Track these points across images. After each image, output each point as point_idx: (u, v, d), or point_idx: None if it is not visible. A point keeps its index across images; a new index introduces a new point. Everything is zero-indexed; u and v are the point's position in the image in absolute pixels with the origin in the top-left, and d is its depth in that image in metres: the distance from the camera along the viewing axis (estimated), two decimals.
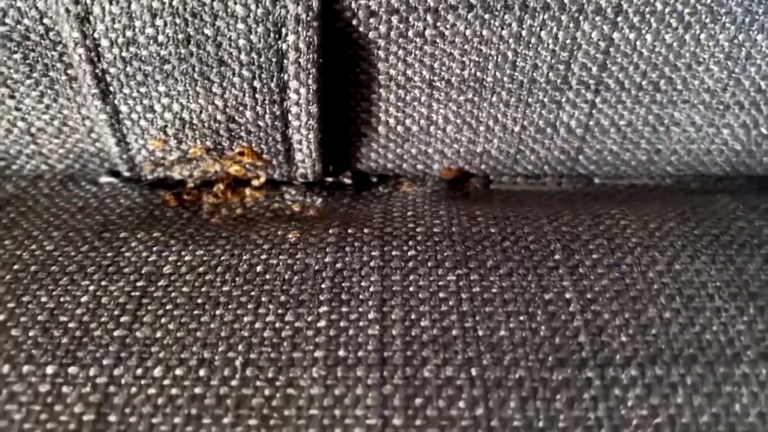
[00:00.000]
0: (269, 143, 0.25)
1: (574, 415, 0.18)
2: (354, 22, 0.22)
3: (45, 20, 0.22)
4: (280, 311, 0.21)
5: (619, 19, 0.22)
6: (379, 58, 0.23)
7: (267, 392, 0.19)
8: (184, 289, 0.22)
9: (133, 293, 0.22)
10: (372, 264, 0.22)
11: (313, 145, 0.25)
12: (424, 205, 0.26)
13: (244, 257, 0.23)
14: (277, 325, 0.20)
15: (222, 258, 0.23)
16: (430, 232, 0.24)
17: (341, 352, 0.20)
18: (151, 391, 0.19)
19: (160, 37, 0.22)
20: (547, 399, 0.18)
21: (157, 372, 0.19)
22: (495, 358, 0.19)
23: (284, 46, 0.22)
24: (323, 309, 0.21)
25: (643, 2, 0.22)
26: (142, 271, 0.22)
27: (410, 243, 0.23)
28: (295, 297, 0.21)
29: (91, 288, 0.22)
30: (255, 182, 0.26)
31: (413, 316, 0.21)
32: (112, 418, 0.18)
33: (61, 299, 0.21)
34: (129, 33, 0.22)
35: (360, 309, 0.21)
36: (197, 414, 0.18)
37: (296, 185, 0.27)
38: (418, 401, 0.18)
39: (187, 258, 0.23)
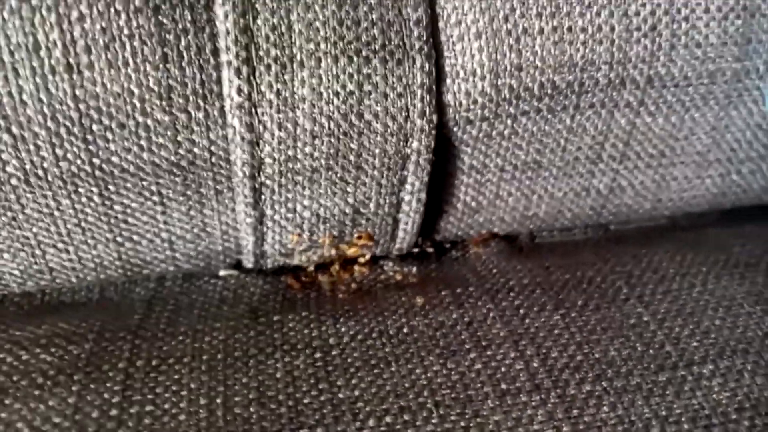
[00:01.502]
0: (382, 227, 0.31)
1: (682, 405, 0.25)
2: (455, 129, 0.29)
3: (212, 147, 0.27)
4: (440, 361, 0.26)
5: (641, 109, 0.30)
6: (466, 153, 0.30)
7: (462, 424, 0.24)
8: (355, 354, 0.27)
9: (317, 364, 0.26)
10: (492, 315, 0.29)
11: (416, 225, 0.31)
12: (500, 262, 0.32)
13: (388, 322, 0.28)
14: (444, 371, 0.26)
15: (371, 325, 0.28)
16: (522, 283, 0.30)
17: (503, 385, 0.26)
18: None
19: (315, 153, 0.27)
20: (660, 395, 0.25)
21: (372, 422, 0.24)
22: (615, 371, 0.26)
23: (408, 151, 0.28)
24: (473, 355, 0.27)
25: (658, 96, 0.30)
26: (313, 345, 0.27)
27: (512, 294, 0.30)
28: (446, 348, 0.27)
29: (279, 365, 0.26)
30: (361, 260, 0.32)
31: (544, 351, 0.27)
32: None
33: (260, 377, 0.26)
34: (290, 152, 0.27)
35: (501, 351, 0.27)
36: None
37: (392, 258, 0.33)
38: (574, 412, 0.25)
39: (342, 329, 0.28)
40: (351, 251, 0.31)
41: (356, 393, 0.25)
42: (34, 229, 0.28)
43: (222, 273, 0.32)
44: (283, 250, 0.31)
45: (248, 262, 0.31)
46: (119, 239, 0.29)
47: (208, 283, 0.31)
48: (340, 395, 0.25)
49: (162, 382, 0.25)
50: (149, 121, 0.26)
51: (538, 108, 0.29)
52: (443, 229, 0.33)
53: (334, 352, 0.27)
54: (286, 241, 0.30)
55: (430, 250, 0.33)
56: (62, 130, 0.25)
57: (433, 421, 0.24)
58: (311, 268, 0.32)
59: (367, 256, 0.32)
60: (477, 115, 0.29)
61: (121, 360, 0.26)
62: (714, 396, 0.25)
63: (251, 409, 0.24)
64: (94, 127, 0.25)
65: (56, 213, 0.27)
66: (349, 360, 0.26)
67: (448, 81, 0.28)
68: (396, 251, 0.32)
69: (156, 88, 0.25)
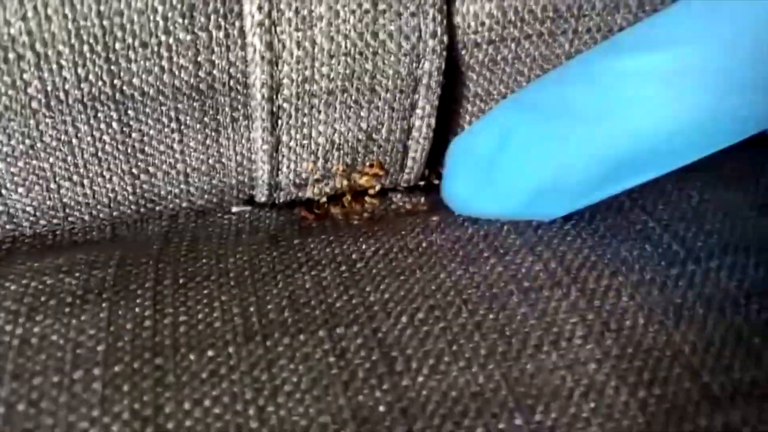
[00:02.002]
0: (392, 155, 0.31)
1: (695, 293, 0.26)
2: (463, 52, 0.30)
3: (231, 69, 0.27)
4: (462, 267, 0.27)
5: None
6: (471, 79, 0.31)
7: (491, 316, 0.25)
8: (380, 266, 0.27)
9: (344, 275, 0.27)
10: (506, 227, 0.29)
11: (425, 153, 0.32)
12: None
13: (407, 239, 0.29)
14: (467, 275, 0.27)
15: (391, 242, 0.29)
16: None
17: (525, 283, 0.26)
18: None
19: (332, 74, 0.28)
20: (674, 286, 0.27)
21: (405, 319, 0.25)
22: (629, 267, 0.27)
23: (420, 72, 0.29)
24: (493, 261, 0.28)
25: None
26: (338, 260, 0.28)
27: None
28: (466, 257, 0.28)
29: (306, 278, 0.27)
30: (371, 191, 0.32)
31: (560, 253, 0.28)
32: None
33: (290, 288, 0.26)
34: (308, 72, 0.28)
35: (519, 256, 0.28)
36: None
37: (400, 190, 0.33)
38: (596, 302, 0.26)
39: (363, 247, 0.28)
40: (362, 180, 0.32)
41: (386, 296, 0.26)
42: (51, 159, 0.28)
43: (235, 209, 0.32)
44: (297, 180, 0.31)
45: (262, 196, 0.31)
46: (135, 171, 0.29)
47: (223, 219, 0.31)
48: (371, 298, 0.26)
49: (192, 297, 0.25)
50: (171, 40, 0.26)
51: (540, 32, 0.30)
52: None
53: (358, 265, 0.27)
54: (300, 169, 0.31)
55: (437, 182, 0.34)
56: (86, 48, 0.25)
57: (464, 315, 0.25)
58: (324, 200, 0.32)
59: (377, 187, 0.32)
60: (484, 37, 0.30)
61: (147, 281, 0.26)
62: (722, 286, 0.26)
63: (285, 314, 0.25)
64: (117, 46, 0.25)
65: (74, 141, 0.27)
66: (374, 271, 0.27)
67: (458, 2, 0.29)
68: (404, 183, 0.33)
69: (179, 6, 0.25)
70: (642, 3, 0.31)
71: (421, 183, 0.34)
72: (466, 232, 0.29)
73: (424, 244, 0.28)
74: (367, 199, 0.32)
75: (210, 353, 0.23)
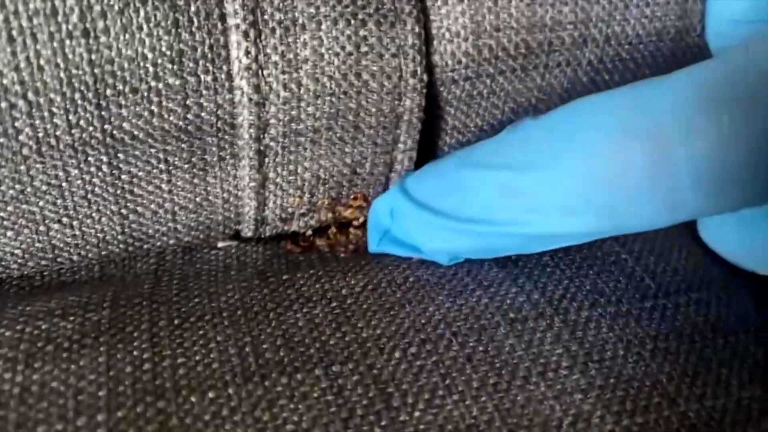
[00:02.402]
0: (375, 187, 0.32)
1: (668, 326, 0.28)
2: (441, 88, 0.31)
3: (219, 111, 0.28)
4: (450, 300, 0.28)
5: (601, 67, 0.34)
6: (449, 113, 0.32)
7: (480, 348, 0.26)
8: (369, 302, 0.28)
9: (336, 311, 0.28)
10: (488, 262, 0.30)
11: None
12: None
13: (394, 274, 0.30)
14: (455, 308, 0.28)
15: (379, 277, 0.30)
16: None
17: (511, 314, 0.28)
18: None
19: (317, 113, 0.29)
20: (648, 318, 0.28)
21: (398, 354, 0.26)
22: (606, 299, 0.29)
23: (401, 109, 0.30)
24: (478, 293, 0.29)
25: (615, 53, 0.33)
26: (328, 296, 0.28)
27: None
28: (453, 290, 0.29)
29: (299, 316, 0.27)
30: (356, 223, 0.33)
31: (541, 285, 0.29)
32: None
33: (283, 327, 0.27)
34: (294, 112, 0.28)
35: (503, 287, 0.29)
36: None
37: None
38: (578, 333, 0.27)
39: (352, 282, 0.29)
40: (347, 213, 0.32)
41: (378, 331, 0.27)
42: (41, 203, 0.28)
43: (220, 245, 0.32)
44: (283, 215, 0.32)
45: (248, 231, 0.32)
46: (124, 211, 0.29)
47: (209, 254, 0.32)
48: (364, 334, 0.26)
49: (189, 338, 0.26)
50: (161, 85, 0.26)
51: (513, 67, 0.32)
52: None
53: (349, 301, 0.28)
54: (287, 204, 0.31)
55: None
56: (77, 96, 0.26)
57: (454, 348, 0.26)
58: (309, 232, 0.33)
59: (361, 219, 0.33)
60: (461, 74, 0.31)
61: (143, 322, 0.26)
62: (691, 320, 0.28)
63: (281, 353, 0.25)
64: (108, 92, 0.26)
65: (64, 185, 0.28)
66: (364, 306, 0.28)
67: (435, 42, 0.30)
68: None
69: (168, 53, 0.26)
70: (608, 38, 0.32)
71: None
72: (450, 267, 0.30)
73: (411, 279, 0.29)
74: (351, 230, 0.33)
75: (211, 395, 0.24)
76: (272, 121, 0.28)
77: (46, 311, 0.27)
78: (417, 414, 0.23)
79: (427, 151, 0.33)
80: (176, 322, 0.27)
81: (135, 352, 0.25)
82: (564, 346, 0.26)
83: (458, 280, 0.29)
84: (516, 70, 0.32)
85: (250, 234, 0.32)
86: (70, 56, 0.25)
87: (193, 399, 0.23)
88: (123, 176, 0.28)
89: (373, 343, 0.26)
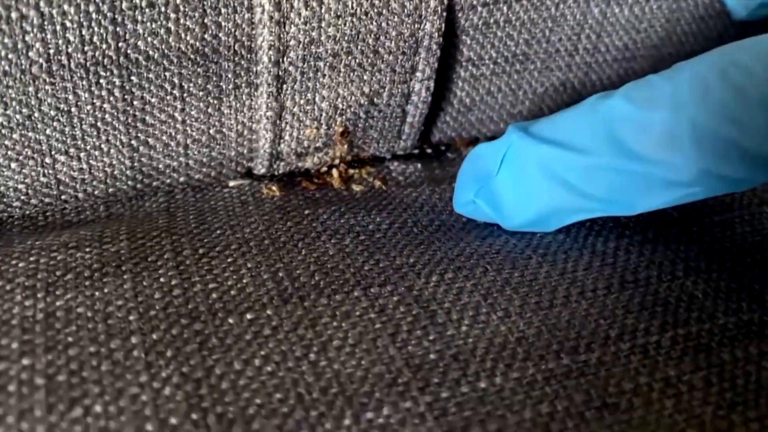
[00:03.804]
0: (392, 119, 0.31)
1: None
2: (459, 14, 0.30)
3: (237, 32, 0.27)
4: (479, 240, 0.27)
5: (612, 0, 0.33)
6: (465, 43, 0.32)
7: (516, 275, 0.26)
8: (398, 237, 0.27)
9: (366, 243, 0.27)
10: None
11: (422, 117, 0.32)
12: None
13: (419, 215, 0.29)
14: (484, 246, 0.27)
15: (404, 217, 0.29)
16: None
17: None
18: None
19: (338, 35, 0.28)
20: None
21: (435, 278, 0.25)
22: None
23: (421, 33, 0.29)
24: (507, 235, 0.28)
25: None
26: (356, 230, 0.27)
27: None
28: (480, 233, 0.28)
29: (329, 246, 0.26)
30: (367, 159, 0.32)
31: None
32: None
33: (315, 255, 0.26)
34: (314, 33, 0.27)
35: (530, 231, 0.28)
36: None
37: (394, 158, 0.33)
38: None
39: (378, 219, 0.28)
40: (361, 145, 0.31)
41: (411, 260, 0.26)
42: (48, 131, 0.26)
43: (232, 183, 0.31)
44: (299, 149, 0.30)
45: (261, 167, 0.31)
46: (134, 143, 0.28)
47: (222, 192, 0.30)
48: (398, 262, 0.25)
49: (217, 266, 0.25)
50: (179, 0, 0.25)
51: None
52: (438, 130, 0.34)
53: (377, 235, 0.27)
54: (303, 137, 0.30)
55: (429, 150, 0.34)
56: (92, 8, 0.24)
57: (491, 274, 0.25)
58: (324, 169, 0.32)
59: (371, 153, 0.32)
60: (480, 0, 0.30)
61: (165, 252, 0.25)
62: (718, 240, 0.28)
63: (316, 277, 0.24)
64: (124, 5, 0.24)
65: (74, 110, 0.26)
66: (393, 240, 0.27)
67: None
68: (401, 150, 0.33)
69: None
70: None
71: (416, 151, 0.34)
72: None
73: (436, 222, 0.28)
74: (365, 168, 0.32)
75: (249, 316, 0.22)
76: (292, 42, 0.27)
77: (60, 244, 0.25)
78: (464, 329, 0.23)
79: (441, 83, 0.32)
80: (201, 251, 0.25)
81: (162, 279, 0.24)
82: (597, 271, 0.26)
83: (484, 227, 0.29)
84: None
85: (263, 171, 0.31)
86: None
87: (230, 320, 0.22)
88: (135, 102, 0.27)
89: (409, 269, 0.25)
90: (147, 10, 0.25)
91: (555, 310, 0.24)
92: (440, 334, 0.22)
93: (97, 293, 0.23)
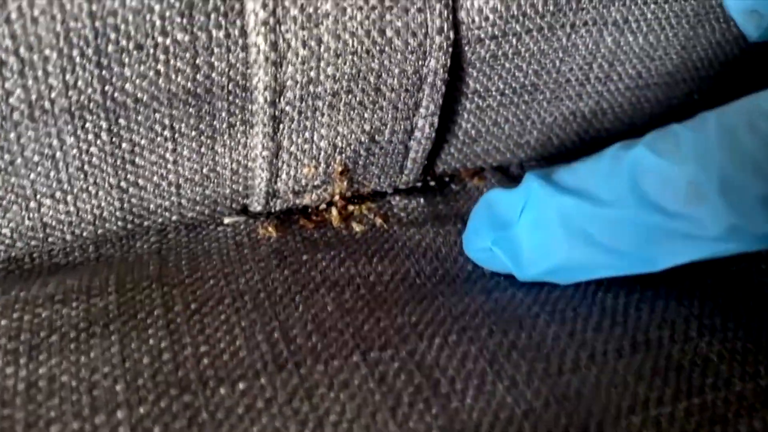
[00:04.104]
0: (394, 155, 0.30)
1: None
2: (466, 48, 0.29)
3: (231, 72, 0.25)
4: (484, 294, 0.26)
5: (626, 27, 0.32)
6: (471, 76, 0.30)
7: (523, 335, 0.24)
8: (401, 290, 0.26)
9: (366, 298, 0.25)
10: None
11: (425, 152, 0.30)
12: None
13: (422, 263, 0.28)
14: (491, 301, 0.26)
15: (406, 266, 0.27)
16: None
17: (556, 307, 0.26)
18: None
19: (338, 74, 0.26)
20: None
21: (438, 341, 0.24)
22: None
23: (425, 70, 0.28)
24: (513, 290, 0.27)
25: (640, 13, 0.32)
26: (356, 282, 0.26)
27: None
28: (486, 285, 0.27)
29: (327, 300, 0.25)
30: (368, 195, 0.31)
31: None
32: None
33: (312, 311, 0.24)
34: (313, 73, 0.26)
35: (538, 283, 0.27)
36: None
37: (395, 192, 0.32)
38: None
39: (379, 268, 0.27)
40: (362, 182, 0.30)
41: (414, 319, 0.24)
42: (32, 176, 0.25)
43: (227, 220, 0.30)
44: (296, 187, 0.29)
45: (257, 205, 0.29)
46: (123, 184, 0.27)
47: (216, 231, 0.29)
48: (399, 321, 0.24)
49: (210, 324, 0.23)
50: (168, 42, 0.24)
51: (540, 26, 0.30)
52: (442, 162, 0.33)
53: (378, 288, 0.26)
54: (300, 175, 0.29)
55: (433, 183, 0.33)
56: (75, 53, 0.23)
57: (497, 336, 0.24)
58: (322, 206, 0.30)
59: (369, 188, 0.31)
60: (487, 32, 0.29)
61: (155, 308, 0.24)
62: (734, 294, 0.27)
63: (314, 339, 0.23)
64: (110, 49, 0.23)
65: (58, 154, 0.25)
66: (395, 295, 0.26)
67: None
68: (402, 185, 0.32)
69: (177, 4, 0.23)
70: None
71: (418, 184, 0.33)
72: (479, 267, 0.28)
73: (440, 271, 0.27)
74: (366, 204, 0.31)
75: (242, 386, 0.21)
76: (289, 82, 0.26)
77: (45, 297, 0.24)
78: (468, 401, 0.22)
79: (445, 116, 0.31)
80: (193, 306, 0.24)
81: (151, 341, 0.22)
82: (607, 332, 0.25)
83: (489, 278, 0.27)
84: (543, 29, 0.30)
85: (259, 208, 0.30)
86: (68, 6, 0.22)
87: (222, 391, 0.21)
88: (124, 144, 0.25)
89: (411, 329, 0.24)
90: (135, 52, 0.23)
91: (564, 378, 0.23)
92: (443, 408, 0.21)
93: (83, 358, 0.22)
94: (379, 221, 0.30)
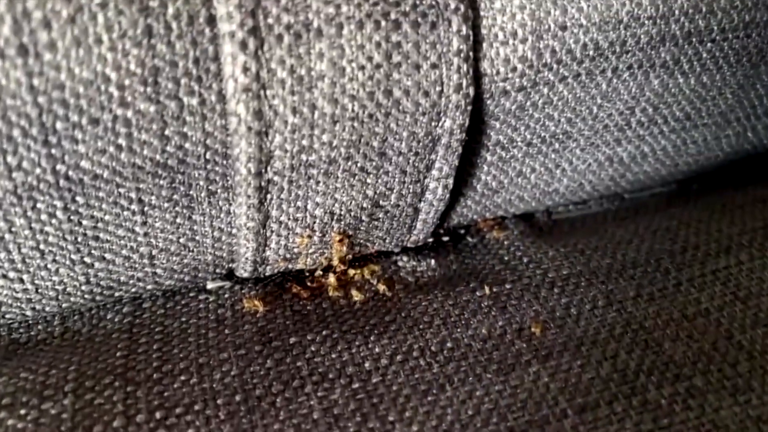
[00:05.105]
0: (402, 218, 0.26)
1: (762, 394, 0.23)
2: (488, 102, 0.25)
3: (208, 141, 0.21)
4: (500, 378, 0.23)
5: (676, 68, 0.27)
6: (494, 128, 0.26)
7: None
8: (399, 380, 0.23)
9: (359, 396, 0.22)
10: (542, 318, 0.25)
11: (438, 213, 0.27)
12: (527, 247, 0.29)
13: (427, 337, 0.24)
14: (508, 390, 0.22)
15: (408, 342, 0.24)
16: (562, 274, 0.27)
17: (579, 399, 0.22)
18: None
19: (335, 141, 0.22)
20: (744, 392, 0.23)
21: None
22: (690, 371, 0.23)
23: (440, 131, 0.24)
24: (535, 368, 0.23)
25: (694, 53, 0.27)
26: (348, 372, 0.23)
27: (555, 289, 0.26)
28: (502, 362, 0.23)
29: (313, 402, 0.22)
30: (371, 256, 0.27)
31: (611, 354, 0.24)
32: None
33: (294, 420, 0.21)
34: (305, 142, 0.22)
35: (564, 359, 0.23)
36: None
37: (405, 251, 0.28)
38: (663, 421, 0.22)
39: (377, 350, 0.24)
40: (365, 243, 0.27)
41: (414, 428, 0.21)
42: None
43: (210, 286, 0.26)
44: (287, 255, 0.26)
45: (244, 271, 0.26)
46: (88, 260, 0.23)
47: (197, 300, 0.26)
48: (397, 430, 0.21)
49: None
50: (130, 114, 0.20)
51: (578, 72, 0.25)
52: (458, 214, 0.29)
53: (374, 380, 0.23)
54: (292, 245, 0.25)
55: (446, 238, 0.29)
56: (16, 133, 0.19)
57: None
58: (319, 271, 0.27)
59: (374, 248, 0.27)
60: (514, 84, 0.24)
61: (116, 416, 0.21)
62: None
63: None
64: (59, 126, 0.19)
65: (7, 236, 0.21)
66: (394, 387, 0.22)
67: (485, 45, 0.23)
68: (411, 243, 0.28)
69: (139, 71, 0.19)
70: (690, 34, 0.26)
71: (429, 240, 0.29)
72: (495, 324, 0.25)
73: (448, 344, 0.24)
74: (368, 267, 0.27)
75: None
76: (277, 152, 0.22)
77: None
78: None
79: (462, 168, 0.27)
80: (158, 415, 0.21)
81: None
82: None
83: (507, 346, 0.24)
84: (580, 76, 0.25)
85: (246, 275, 0.26)
86: (4, 82, 0.18)
87: None
88: (84, 222, 0.22)
89: None
90: (89, 127, 0.20)
91: None
92: None
93: None
94: (382, 288, 0.27)
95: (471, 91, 0.23)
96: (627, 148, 0.30)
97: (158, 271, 0.25)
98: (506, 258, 0.28)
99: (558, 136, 0.28)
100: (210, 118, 0.21)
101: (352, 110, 0.22)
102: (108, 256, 0.23)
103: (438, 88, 0.23)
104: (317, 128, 0.22)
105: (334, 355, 0.23)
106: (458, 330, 0.24)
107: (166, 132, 0.21)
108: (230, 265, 0.26)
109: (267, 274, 0.26)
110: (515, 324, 0.24)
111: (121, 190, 0.22)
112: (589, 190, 0.31)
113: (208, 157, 0.22)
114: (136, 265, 0.24)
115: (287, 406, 0.21)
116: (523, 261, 0.28)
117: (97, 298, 0.25)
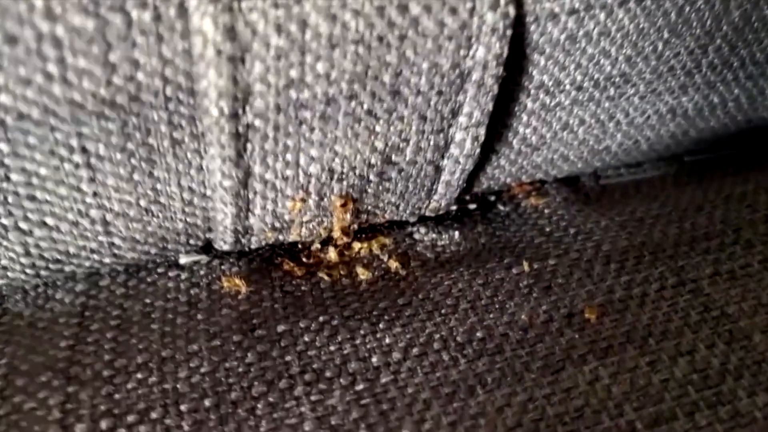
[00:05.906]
0: (419, 179, 0.21)
1: None
2: (532, 28, 0.19)
3: (167, 70, 0.16)
4: (548, 378, 0.18)
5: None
6: (538, 65, 0.21)
7: None
8: (417, 380, 0.18)
9: (363, 401, 0.17)
10: (597, 300, 0.20)
11: (465, 174, 0.22)
12: (573, 217, 0.24)
13: (451, 324, 0.19)
14: (558, 393, 0.17)
15: (428, 330, 0.19)
16: (618, 247, 0.22)
17: (648, 406, 0.17)
18: None
19: (333, 74, 0.17)
20: None
21: None
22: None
23: (470, 63, 0.18)
24: (593, 364, 0.18)
25: None
26: (350, 369, 0.18)
27: (612, 265, 0.21)
28: (549, 357, 0.18)
29: (304, 409, 0.17)
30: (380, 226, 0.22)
31: (687, 349, 0.19)
32: None
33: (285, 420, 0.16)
34: (294, 72, 0.17)
35: (628, 354, 0.18)
36: None
37: (420, 221, 0.23)
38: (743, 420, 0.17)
39: (387, 340, 0.19)
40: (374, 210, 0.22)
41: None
42: None
43: (183, 260, 0.22)
44: (276, 224, 0.21)
45: (224, 243, 0.21)
46: (23, 225, 0.18)
47: (166, 278, 0.21)
48: None
49: None
50: (60, 30, 0.15)
51: None
52: (488, 177, 0.24)
53: (383, 379, 0.18)
54: (282, 210, 0.20)
55: (473, 206, 0.24)
56: None
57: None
58: (316, 244, 0.22)
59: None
60: (564, 6, 0.19)
61: (49, 426, 0.16)
62: None
63: None
64: None
65: None
66: (409, 390, 0.17)
67: None
68: (431, 212, 0.23)
69: None
70: None
71: (453, 208, 0.24)
72: (538, 309, 0.20)
73: (478, 334, 0.19)
74: (375, 242, 0.22)
75: None
76: (257, 87, 0.17)
77: None
78: None
79: (495, 118, 0.22)
80: (103, 425, 0.16)
81: None
82: None
83: (555, 335, 0.19)
84: (644, 0, 0.20)
85: (226, 248, 0.21)
86: None
87: None
88: (12, 175, 0.17)
89: None
90: (6, 48, 0.15)
91: None
92: None
93: None
94: (394, 265, 0.22)
95: (511, 10, 0.18)
96: (694, 97, 0.24)
97: (115, 240, 0.20)
98: (548, 229, 0.23)
99: (614, 80, 0.22)
100: (168, 38, 0.16)
101: (356, 30, 0.17)
102: (49, 221, 0.19)
103: (469, 4, 0.17)
104: (310, 54, 0.17)
105: (332, 348, 0.18)
106: (491, 316, 0.19)
107: (110, 57, 0.16)
108: (207, 235, 0.21)
109: (252, 246, 0.22)
110: (563, 309, 0.19)
111: (58, 136, 0.17)
112: (646, 149, 0.26)
113: (168, 93, 0.17)
114: (88, 234, 0.19)
115: (270, 414, 0.17)
116: (570, 232, 0.23)
117: (42, 273, 0.20)
